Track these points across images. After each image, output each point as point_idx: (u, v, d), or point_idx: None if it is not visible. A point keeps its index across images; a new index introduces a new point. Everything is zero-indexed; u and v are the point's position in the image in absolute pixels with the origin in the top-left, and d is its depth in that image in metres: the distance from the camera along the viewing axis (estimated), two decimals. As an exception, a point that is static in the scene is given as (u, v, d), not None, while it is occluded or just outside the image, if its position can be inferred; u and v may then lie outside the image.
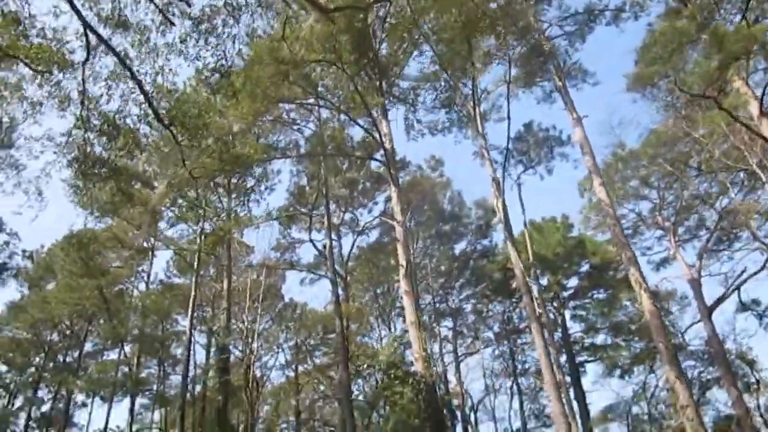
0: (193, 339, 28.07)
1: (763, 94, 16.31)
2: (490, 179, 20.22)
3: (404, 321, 41.57)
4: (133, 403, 26.08)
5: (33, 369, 41.23)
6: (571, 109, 20.03)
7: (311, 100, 22.23)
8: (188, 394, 25.34)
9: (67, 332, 38.06)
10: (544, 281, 38.55)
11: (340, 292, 24.55)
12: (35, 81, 9.39)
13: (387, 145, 21.08)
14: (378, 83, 20.20)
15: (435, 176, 33.13)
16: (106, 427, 31.39)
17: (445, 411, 16.57)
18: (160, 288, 28.48)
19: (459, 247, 39.29)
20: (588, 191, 31.35)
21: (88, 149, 10.16)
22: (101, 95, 9.59)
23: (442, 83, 24.72)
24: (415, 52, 24.64)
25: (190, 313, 27.69)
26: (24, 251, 33.11)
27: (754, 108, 16.82)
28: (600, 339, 38.55)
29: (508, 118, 20.06)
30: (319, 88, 20.47)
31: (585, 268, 36.08)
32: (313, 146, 22.26)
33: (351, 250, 34.49)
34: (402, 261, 18.89)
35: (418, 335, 17.09)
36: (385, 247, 38.11)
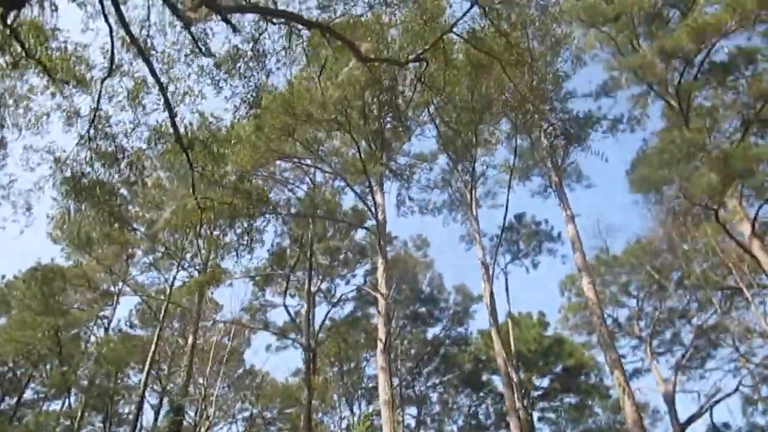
0: (145, 396, 26.34)
1: (756, 214, 16.73)
2: (479, 263, 20.03)
3: (368, 403, 40.31)
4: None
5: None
6: (565, 206, 20.25)
7: (309, 161, 22.23)
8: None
9: (7, 376, 35.53)
10: (515, 378, 37.77)
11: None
12: (47, 91, 9.08)
13: (380, 216, 20.96)
14: (380, 154, 20.32)
15: (419, 256, 32.92)
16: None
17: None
18: (119, 337, 26.91)
19: (432, 332, 38.48)
20: (569, 290, 31.42)
21: (88, 169, 9.71)
22: (111, 116, 9.28)
23: (439, 165, 25.03)
24: (418, 130, 25.29)
25: (146, 366, 26.09)
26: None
27: (746, 227, 17.13)
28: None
29: (507, 205, 20.11)
30: (320, 151, 20.50)
31: (558, 369, 35.42)
32: (306, 207, 21.98)
33: (324, 320, 33.44)
34: (381, 335, 18.19)
35: (390, 416, 16.15)
36: (358, 322, 37.14)
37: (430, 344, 38.01)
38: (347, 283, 36.62)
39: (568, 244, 21.40)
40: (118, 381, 26.39)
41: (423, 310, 35.78)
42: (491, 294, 19.19)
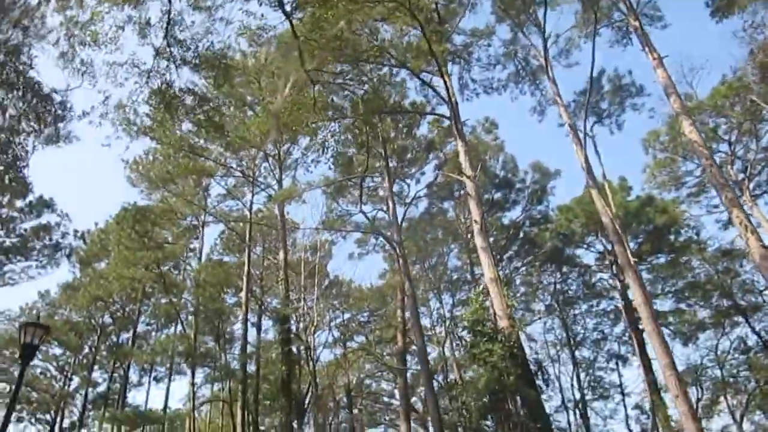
0: (249, 312, 27.62)
1: None
2: (566, 128, 19.03)
3: (452, 295, 41.09)
4: (193, 376, 25.82)
5: (87, 350, 41.81)
6: (650, 49, 18.56)
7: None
8: (248, 367, 24.94)
9: (119, 313, 38.25)
10: (600, 247, 37.24)
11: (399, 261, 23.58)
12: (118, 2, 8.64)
13: (452, 98, 20.09)
14: (441, 30, 19.10)
15: (489, 139, 31.81)
16: (166, 404, 31.42)
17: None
18: (214, 262, 28.01)
19: (510, 216, 38.03)
20: (653, 147, 29.86)
21: (171, 77, 9.44)
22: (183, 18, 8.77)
23: (499, 36, 23.39)
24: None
25: (245, 285, 27.26)
26: (76, 231, 33.13)
27: None
28: (661, 306, 37.08)
29: (593, 54, 17.99)
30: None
31: (646, 230, 34.48)
32: (372, 102, 21.23)
33: (402, 221, 33.58)
34: (476, 216, 17.91)
35: (499, 291, 16.14)
36: (434, 218, 37.14)
37: (509, 229, 37.68)
38: (417, 182, 36.44)
39: (654, 95, 19.82)
40: (222, 302, 27.64)
41: (499, 195, 35.13)
42: (586, 157, 18.25)
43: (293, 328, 23.98)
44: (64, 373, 43.13)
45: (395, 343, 32.23)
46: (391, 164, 34.40)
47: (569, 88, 50.94)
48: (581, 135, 18.77)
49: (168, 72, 9.24)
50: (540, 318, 42.37)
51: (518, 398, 13.94)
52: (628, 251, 17.29)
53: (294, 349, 23.41)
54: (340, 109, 21.55)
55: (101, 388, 43.67)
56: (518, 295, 41.20)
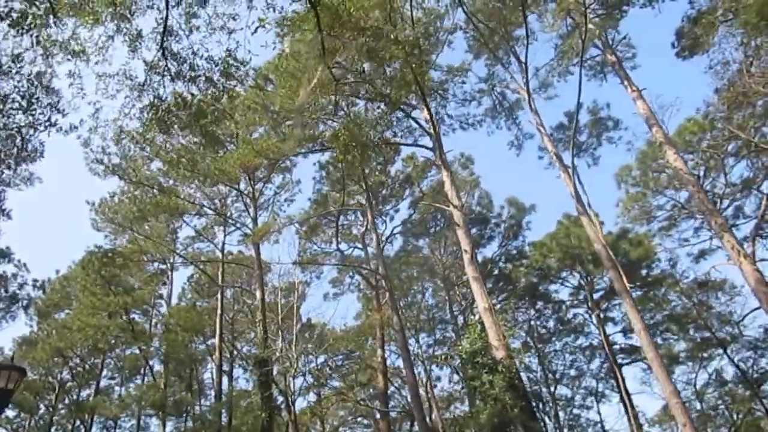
0: (222, 357, 26.33)
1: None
2: (552, 156, 19.04)
3: (429, 334, 40.30)
4: (164, 428, 24.17)
5: (44, 410, 38.99)
6: (629, 83, 18.99)
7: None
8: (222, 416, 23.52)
9: (80, 368, 35.98)
10: (575, 281, 37.30)
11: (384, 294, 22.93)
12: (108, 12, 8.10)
13: (432, 130, 20.04)
14: (423, 62, 19.12)
15: (465, 175, 31.86)
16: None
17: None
18: (187, 305, 26.74)
19: (485, 252, 37.89)
20: (626, 182, 30.36)
21: (163, 92, 8.86)
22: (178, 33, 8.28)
23: (475, 73, 23.75)
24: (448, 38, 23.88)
25: (218, 329, 26.06)
26: (35, 280, 31.35)
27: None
28: (637, 341, 37.09)
29: (579, 85, 18.13)
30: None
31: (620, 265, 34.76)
32: (353, 132, 20.94)
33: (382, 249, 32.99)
34: (465, 246, 17.56)
35: (494, 321, 15.66)
36: (409, 256, 36.66)
37: (486, 264, 37.49)
38: (391, 219, 36.14)
39: (629, 129, 20.12)
40: (193, 348, 26.27)
41: (474, 231, 34.98)
42: (575, 185, 18.16)
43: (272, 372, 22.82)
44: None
45: (375, 385, 31.12)
46: (363, 201, 34.24)
47: (550, 118, 52.31)
48: (573, 162, 18.74)
49: (162, 86, 8.70)
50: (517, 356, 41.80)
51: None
52: (623, 277, 17.13)
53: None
54: (319, 141, 21.17)
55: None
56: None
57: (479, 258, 38.70)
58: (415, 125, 24.32)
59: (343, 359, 40.55)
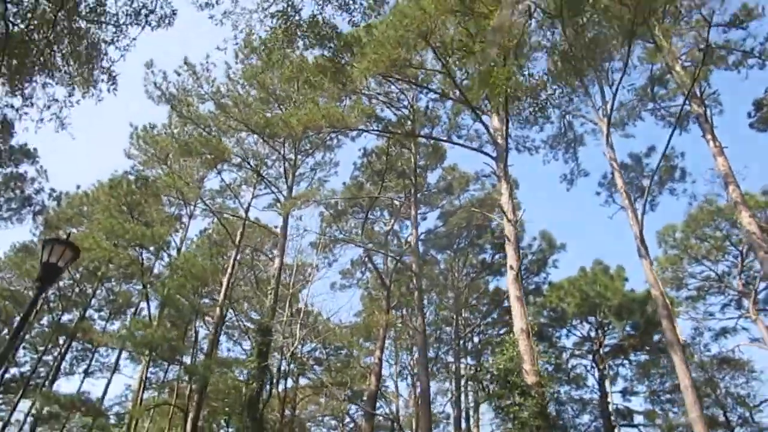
0: (224, 316, 25.53)
1: None
2: (622, 193, 18.25)
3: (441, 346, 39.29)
4: (147, 370, 23.35)
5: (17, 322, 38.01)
6: (713, 137, 18.23)
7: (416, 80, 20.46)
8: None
9: (68, 291, 35.11)
10: (584, 331, 36.22)
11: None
12: None
13: (500, 140, 19.30)
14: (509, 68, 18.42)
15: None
16: (102, 399, 28.49)
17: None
18: (202, 253, 25.95)
19: (501, 283, 36.93)
20: (666, 242, 29.53)
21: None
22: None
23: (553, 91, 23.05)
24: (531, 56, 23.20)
25: (225, 285, 25.24)
26: (53, 190, 30.67)
27: None
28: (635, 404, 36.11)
29: (671, 134, 17.32)
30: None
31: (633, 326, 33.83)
32: (419, 124, 20.26)
33: (396, 264, 32.23)
34: (512, 262, 16.76)
35: (529, 344, 14.82)
36: (426, 266, 35.75)
37: (497, 294, 36.56)
38: (417, 226, 35.32)
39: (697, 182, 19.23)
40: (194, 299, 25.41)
41: (497, 257, 34.14)
42: (641, 227, 17.28)
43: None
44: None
45: (361, 386, 30.22)
46: (396, 202, 33.47)
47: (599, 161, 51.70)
48: (644, 208, 17.82)
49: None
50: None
51: (546, 464, 12.39)
52: (678, 328, 16.26)
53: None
54: (382, 121, 20.46)
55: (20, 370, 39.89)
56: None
57: (491, 287, 38.08)
58: (480, 131, 23.70)
59: (330, 353, 39.72)
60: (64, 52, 11.59)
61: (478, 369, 16.88)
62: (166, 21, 9.13)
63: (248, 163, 25.51)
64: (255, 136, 26.44)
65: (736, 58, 22.50)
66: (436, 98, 22.77)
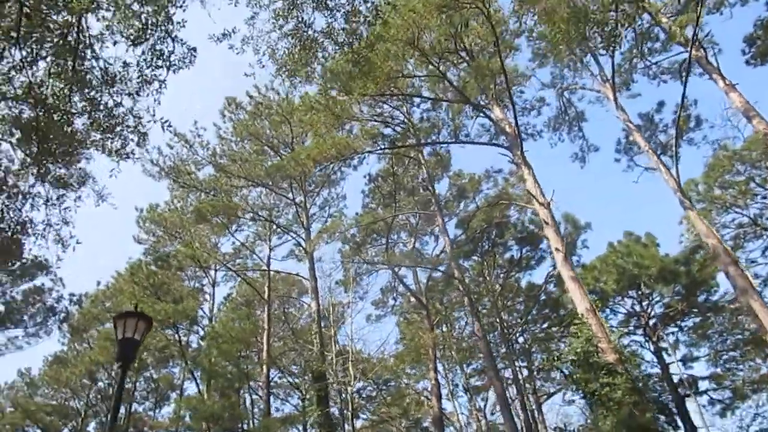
0: (275, 370, 24.90)
1: None
2: (647, 151, 17.87)
3: (466, 364, 38.34)
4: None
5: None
6: (720, 76, 17.93)
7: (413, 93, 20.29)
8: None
9: (109, 390, 34.42)
10: (627, 307, 35.28)
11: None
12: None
13: (508, 129, 19.04)
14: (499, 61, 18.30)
15: (519, 191, 30.51)
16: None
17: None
18: (238, 314, 25.40)
19: (533, 276, 36.29)
20: (695, 192, 28.96)
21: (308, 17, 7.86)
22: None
23: (539, 78, 22.98)
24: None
25: (266, 342, 24.70)
26: (72, 294, 30.23)
27: None
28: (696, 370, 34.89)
29: (686, 80, 16.77)
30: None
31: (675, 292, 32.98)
32: (425, 132, 19.99)
33: (428, 280, 31.66)
34: (557, 245, 16.27)
35: (599, 323, 14.25)
36: (452, 279, 35.05)
37: (531, 290, 35.82)
38: (436, 240, 34.86)
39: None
40: (241, 365, 24.79)
41: (525, 250, 33.59)
42: (677, 178, 16.81)
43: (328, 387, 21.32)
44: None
45: (427, 409, 29.32)
46: (412, 220, 33.09)
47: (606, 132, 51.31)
48: (676, 161, 17.37)
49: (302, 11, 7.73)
50: (561, 389, 39.46)
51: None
52: (747, 272, 15.68)
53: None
54: (386, 138, 20.24)
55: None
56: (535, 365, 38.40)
57: (523, 284, 37.34)
58: (486, 125, 23.46)
59: (381, 386, 38.78)
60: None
61: (556, 357, 16.16)
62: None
63: (260, 216, 25.18)
64: (259, 188, 26.27)
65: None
66: (428, 108, 22.65)
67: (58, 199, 10.98)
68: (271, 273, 27.56)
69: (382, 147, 20.08)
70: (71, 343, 33.54)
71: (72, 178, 10.92)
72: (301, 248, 25.02)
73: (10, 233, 10.86)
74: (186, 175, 23.37)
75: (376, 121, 22.66)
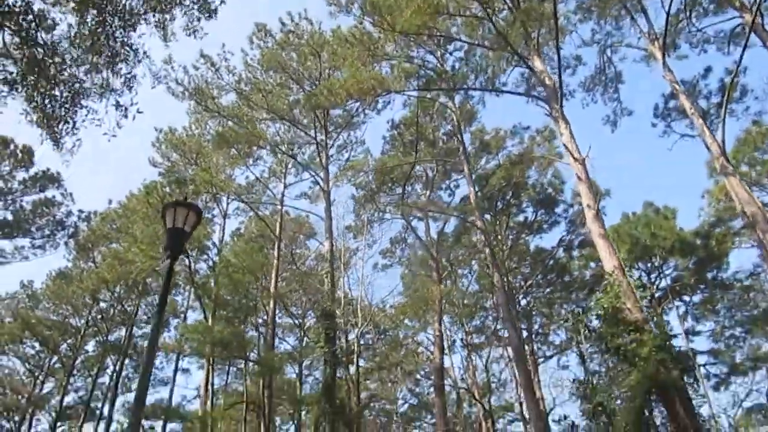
0: (277, 307, 24.89)
1: None
2: (691, 112, 17.28)
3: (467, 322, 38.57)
4: (211, 373, 22.76)
5: (67, 351, 37.58)
6: (773, 42, 17.15)
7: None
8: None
9: (112, 309, 34.63)
10: (635, 277, 35.17)
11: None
12: None
13: (547, 81, 18.36)
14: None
15: (543, 151, 29.89)
16: (169, 405, 27.99)
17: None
18: (251, 246, 25.22)
19: (544, 239, 36.11)
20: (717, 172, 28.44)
21: None
22: None
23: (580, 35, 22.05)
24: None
25: (274, 276, 24.61)
26: (81, 211, 30.04)
27: None
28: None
29: (745, 43, 15.92)
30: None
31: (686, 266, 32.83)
32: (461, 77, 19.32)
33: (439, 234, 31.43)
34: (588, 201, 15.89)
35: (627, 282, 13.98)
36: (462, 235, 34.82)
37: (540, 253, 35.62)
38: (451, 194, 34.44)
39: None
40: (250, 294, 24.77)
41: (540, 214, 33.21)
42: (721, 141, 16.34)
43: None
44: (35, 375, 38.87)
45: (428, 362, 29.59)
46: (429, 173, 32.55)
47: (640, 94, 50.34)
48: (724, 125, 16.75)
49: None
50: (558, 353, 39.74)
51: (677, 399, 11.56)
52: None
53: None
54: (420, 78, 19.56)
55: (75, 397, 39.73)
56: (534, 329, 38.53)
57: (532, 246, 37.10)
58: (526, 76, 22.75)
59: (378, 334, 39.08)
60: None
61: (582, 311, 15.99)
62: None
63: (280, 149, 24.68)
64: (278, 124, 25.69)
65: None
66: (461, 57, 21.86)
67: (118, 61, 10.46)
68: (284, 210, 27.24)
69: (417, 87, 19.34)
70: (76, 260, 33.53)
71: (130, 55, 10.42)
72: (318, 187, 24.63)
73: (69, 94, 10.38)
74: (210, 99, 22.76)
75: (410, 63, 21.91)
